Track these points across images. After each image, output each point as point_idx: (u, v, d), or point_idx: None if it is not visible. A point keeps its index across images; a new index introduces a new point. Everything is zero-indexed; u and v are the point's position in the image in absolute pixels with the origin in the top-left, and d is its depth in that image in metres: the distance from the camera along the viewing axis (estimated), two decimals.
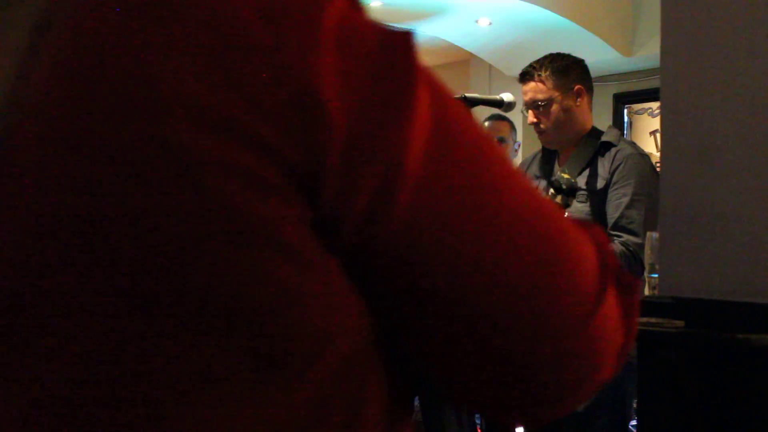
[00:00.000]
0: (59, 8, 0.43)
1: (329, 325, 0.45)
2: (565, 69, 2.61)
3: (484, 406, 0.54)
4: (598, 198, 2.52)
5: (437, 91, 0.47)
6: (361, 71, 0.43)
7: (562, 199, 2.25)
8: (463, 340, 0.48)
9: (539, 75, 2.60)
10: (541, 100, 2.59)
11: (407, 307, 0.47)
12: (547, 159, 2.72)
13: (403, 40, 0.45)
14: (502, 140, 3.90)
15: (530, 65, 2.65)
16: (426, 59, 0.48)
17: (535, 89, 2.61)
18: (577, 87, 2.60)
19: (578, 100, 2.60)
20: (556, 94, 2.59)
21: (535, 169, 2.73)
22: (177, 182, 0.40)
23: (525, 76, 2.65)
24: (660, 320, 1.68)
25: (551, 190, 2.29)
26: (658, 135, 4.26)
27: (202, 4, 0.42)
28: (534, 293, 0.48)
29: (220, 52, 0.41)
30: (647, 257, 1.93)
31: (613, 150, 2.55)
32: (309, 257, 0.43)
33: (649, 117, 5.83)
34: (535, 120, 2.63)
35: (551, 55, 2.65)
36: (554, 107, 2.59)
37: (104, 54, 0.41)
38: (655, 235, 1.88)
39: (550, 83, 2.59)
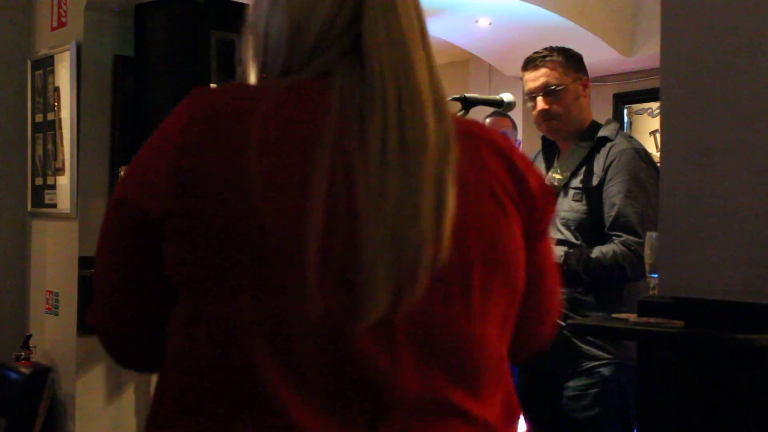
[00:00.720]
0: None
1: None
2: (574, 57, 2.56)
3: (519, 348, 1.02)
4: (593, 196, 2.45)
5: None
6: (537, 182, 0.98)
7: None
8: (533, 313, 1.02)
9: (552, 60, 2.53)
10: (556, 85, 2.51)
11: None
12: (548, 155, 2.65)
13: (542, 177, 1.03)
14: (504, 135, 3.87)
15: (537, 53, 2.58)
16: None
17: (547, 74, 2.52)
18: (584, 78, 2.56)
19: (585, 90, 2.55)
20: (568, 80, 2.52)
21: (539, 167, 2.67)
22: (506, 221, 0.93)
23: (534, 62, 2.56)
24: (660, 320, 1.68)
25: None
26: (658, 135, 4.26)
27: (494, 142, 0.96)
28: (557, 297, 1.10)
29: (506, 165, 0.95)
30: (647, 257, 1.92)
31: (608, 145, 2.48)
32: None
33: (649, 117, 5.82)
34: (546, 106, 2.53)
35: (555, 46, 2.58)
36: (567, 93, 2.52)
37: (471, 160, 0.92)
38: (654, 235, 1.88)
39: (562, 69, 2.52)
